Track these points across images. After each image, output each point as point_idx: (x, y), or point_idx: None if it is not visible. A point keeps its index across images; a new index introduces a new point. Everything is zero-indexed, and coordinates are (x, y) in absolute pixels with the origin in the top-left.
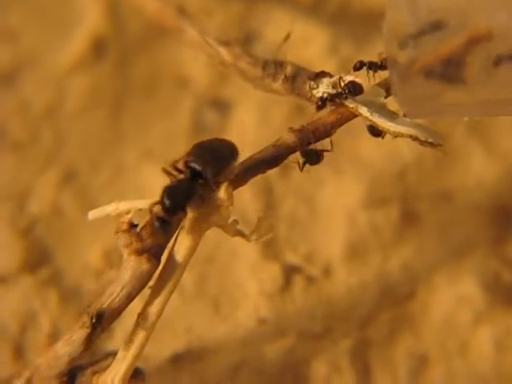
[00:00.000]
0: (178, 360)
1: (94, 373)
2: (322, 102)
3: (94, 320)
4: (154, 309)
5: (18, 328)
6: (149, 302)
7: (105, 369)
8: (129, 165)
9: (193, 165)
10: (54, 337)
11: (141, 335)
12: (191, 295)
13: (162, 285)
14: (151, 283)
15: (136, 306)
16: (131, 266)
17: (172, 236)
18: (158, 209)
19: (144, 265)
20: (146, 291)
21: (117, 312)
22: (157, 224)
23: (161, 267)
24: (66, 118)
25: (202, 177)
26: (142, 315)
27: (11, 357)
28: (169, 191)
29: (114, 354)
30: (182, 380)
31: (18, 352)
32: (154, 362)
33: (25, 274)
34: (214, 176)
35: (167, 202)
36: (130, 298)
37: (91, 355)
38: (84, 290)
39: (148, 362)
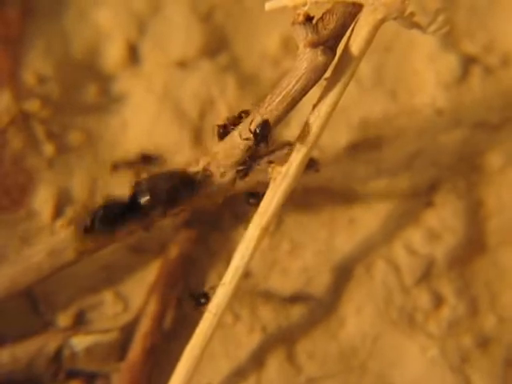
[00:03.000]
0: (353, 149)
1: (270, 162)
2: None
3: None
4: (329, 100)
5: (197, 113)
6: (324, 94)
7: (280, 158)
8: None
9: (138, 195)
10: None
11: (316, 125)
12: (368, 85)
13: (338, 76)
14: (327, 75)
15: (312, 96)
16: (306, 58)
17: None
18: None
19: (319, 57)
20: (322, 83)
21: (292, 104)
22: (80, 229)
23: (336, 59)
24: None
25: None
26: (317, 106)
27: (190, 142)
28: (103, 212)
29: (289, 144)
30: (357, 169)
31: (197, 137)
32: (330, 152)
33: (204, 59)
34: (163, 211)
35: (96, 224)
36: (305, 90)
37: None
38: (261, 77)
39: (323, 151)
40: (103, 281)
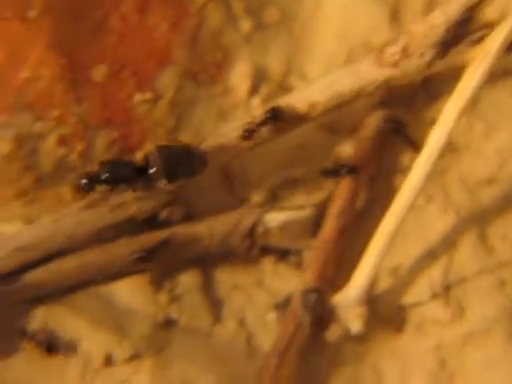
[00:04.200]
0: None
1: (471, 43)
2: None
3: None
4: None
5: None
6: None
7: (481, 39)
8: None
9: (149, 160)
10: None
11: None
12: None
13: None
14: None
15: None
16: None
17: None
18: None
19: None
20: None
21: None
22: (83, 181)
23: None
24: None
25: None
26: None
27: (387, 21)
28: (110, 166)
29: (491, 25)
30: None
31: (394, 17)
32: None
33: None
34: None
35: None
36: None
37: None
38: None
39: None
40: (297, 159)
